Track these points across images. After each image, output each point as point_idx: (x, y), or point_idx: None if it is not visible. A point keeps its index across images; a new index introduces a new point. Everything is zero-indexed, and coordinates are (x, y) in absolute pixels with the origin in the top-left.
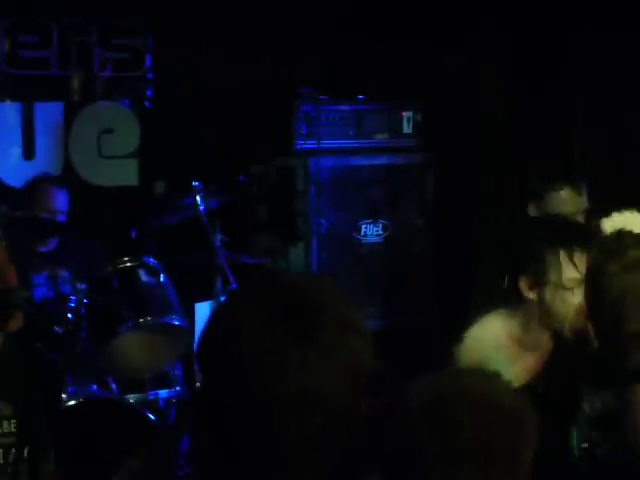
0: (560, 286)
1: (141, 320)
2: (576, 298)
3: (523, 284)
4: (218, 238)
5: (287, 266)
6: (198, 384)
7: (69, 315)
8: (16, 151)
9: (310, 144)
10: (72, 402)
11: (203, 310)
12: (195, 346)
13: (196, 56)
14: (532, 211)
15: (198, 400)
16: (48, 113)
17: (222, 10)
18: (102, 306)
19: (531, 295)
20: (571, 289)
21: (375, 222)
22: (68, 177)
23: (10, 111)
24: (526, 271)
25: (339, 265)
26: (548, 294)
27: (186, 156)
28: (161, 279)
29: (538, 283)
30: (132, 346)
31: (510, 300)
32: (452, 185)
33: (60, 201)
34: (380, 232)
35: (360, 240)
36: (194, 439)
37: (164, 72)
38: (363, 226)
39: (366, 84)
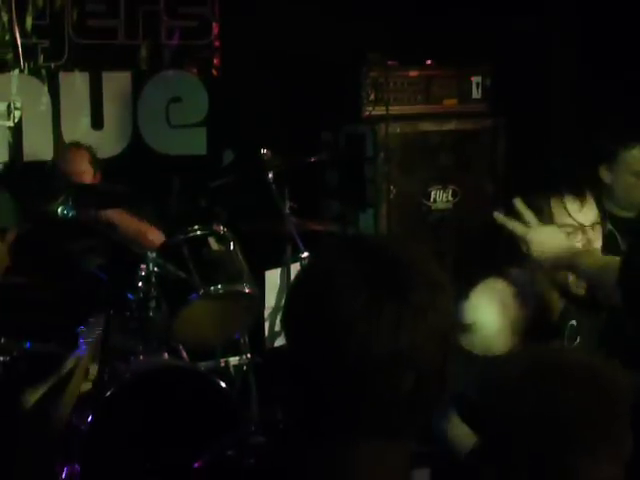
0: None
1: (211, 288)
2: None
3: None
4: (287, 205)
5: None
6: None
7: (139, 283)
8: (85, 121)
9: (379, 110)
10: (144, 370)
11: (273, 278)
12: (285, 305)
13: (263, 23)
14: (604, 173)
15: (285, 362)
16: (116, 82)
17: None
18: (172, 274)
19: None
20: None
21: (445, 188)
22: (137, 146)
23: (78, 81)
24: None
25: (409, 231)
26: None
27: (254, 124)
28: (231, 247)
29: None
30: (202, 314)
31: None
32: (522, 150)
33: (77, 161)
34: (450, 198)
35: (429, 206)
36: (268, 406)
37: (231, 40)
38: (432, 192)
39: (435, 49)
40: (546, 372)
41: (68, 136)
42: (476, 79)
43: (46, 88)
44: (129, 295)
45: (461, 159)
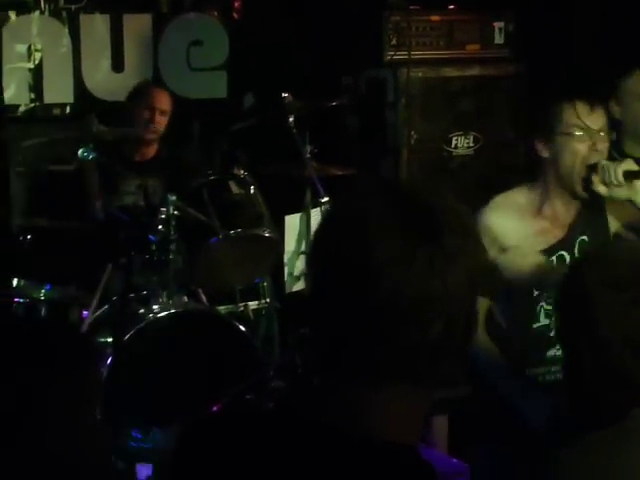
0: (566, 133)
1: (231, 232)
2: (582, 147)
3: (537, 143)
4: (308, 150)
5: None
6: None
7: (160, 227)
8: (105, 64)
9: (400, 55)
10: (164, 313)
11: (293, 222)
12: (312, 245)
13: None
14: (614, 109)
15: (307, 306)
16: (137, 25)
17: None
18: (193, 218)
19: (544, 153)
20: (578, 139)
21: (466, 134)
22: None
23: (99, 23)
24: (537, 126)
25: (429, 177)
26: (557, 144)
27: (275, 68)
28: (251, 191)
29: (548, 135)
30: (222, 258)
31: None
32: (544, 96)
33: (163, 100)
34: (471, 144)
35: (450, 152)
36: (287, 350)
37: None
38: (454, 138)
39: None
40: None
41: (88, 79)
42: (499, 24)
43: (67, 30)
44: (151, 237)
45: (483, 105)
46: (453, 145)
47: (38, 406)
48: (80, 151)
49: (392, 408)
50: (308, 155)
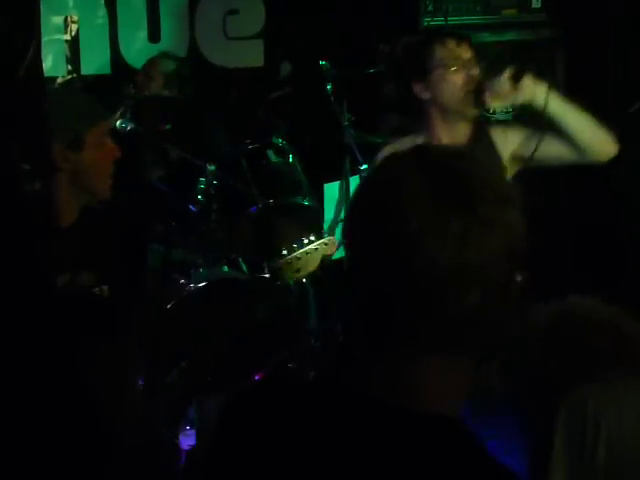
0: (440, 68)
1: (271, 201)
2: (459, 77)
3: (415, 85)
4: (346, 117)
5: None
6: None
7: (199, 197)
8: (142, 34)
9: (437, 21)
10: (204, 283)
11: (332, 190)
12: (347, 216)
13: None
14: None
15: (346, 276)
16: None
17: None
18: (232, 187)
19: (424, 95)
20: (454, 71)
21: None
22: (194, 59)
23: None
24: (413, 72)
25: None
26: (434, 80)
27: (312, 36)
28: (290, 159)
29: (424, 75)
30: (262, 227)
31: None
32: (582, 61)
33: (165, 66)
34: (509, 110)
35: (489, 117)
36: (327, 319)
37: None
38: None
39: None
40: (573, 322)
41: (125, 50)
42: None
43: (103, 1)
44: (191, 207)
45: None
46: (491, 111)
47: (83, 375)
48: (118, 122)
49: (434, 379)
50: (346, 123)
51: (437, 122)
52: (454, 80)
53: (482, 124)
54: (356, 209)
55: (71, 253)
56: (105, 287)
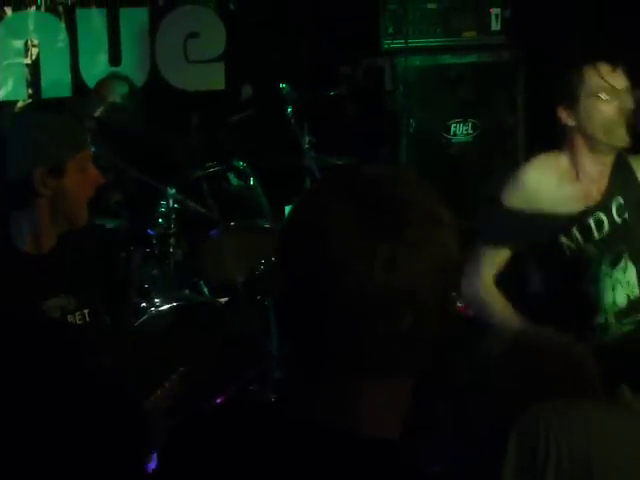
0: (591, 97)
1: (231, 224)
2: (611, 108)
3: (561, 111)
4: (306, 140)
5: None
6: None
7: (160, 220)
8: (102, 57)
9: (397, 43)
10: (165, 306)
11: None
12: (278, 244)
13: None
14: None
15: (281, 302)
16: (133, 18)
17: None
18: (192, 210)
19: (570, 122)
20: (604, 99)
21: (465, 121)
22: (155, 82)
23: (96, 17)
24: (560, 95)
25: (428, 165)
26: (583, 109)
27: (272, 58)
28: (250, 182)
29: (572, 102)
30: (223, 250)
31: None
32: (543, 82)
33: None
34: (470, 131)
35: (450, 139)
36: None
37: None
38: (452, 125)
39: None
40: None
41: (86, 73)
42: (495, 10)
43: (63, 25)
44: (149, 231)
45: (481, 92)
46: (452, 132)
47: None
48: None
49: (372, 402)
50: (307, 145)
51: (581, 150)
52: (605, 111)
53: (621, 152)
54: (287, 234)
55: (52, 279)
56: (86, 311)
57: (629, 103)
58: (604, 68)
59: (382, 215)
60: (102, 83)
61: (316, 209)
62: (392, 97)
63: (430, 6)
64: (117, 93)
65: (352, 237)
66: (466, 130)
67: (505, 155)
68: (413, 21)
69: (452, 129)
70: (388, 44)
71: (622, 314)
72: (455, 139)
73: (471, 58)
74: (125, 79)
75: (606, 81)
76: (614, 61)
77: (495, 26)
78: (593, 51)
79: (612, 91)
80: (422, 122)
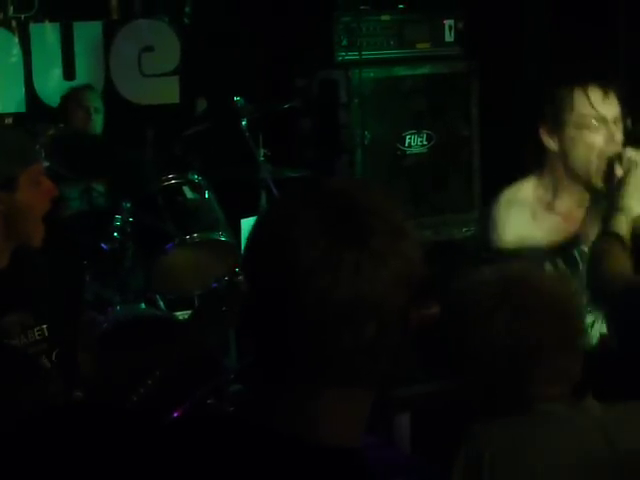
0: (579, 125)
1: (187, 237)
2: (598, 138)
3: (543, 131)
4: (261, 153)
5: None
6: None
7: (115, 234)
8: (56, 72)
9: (351, 55)
10: (120, 320)
11: (249, 225)
12: (243, 254)
13: None
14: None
15: (246, 312)
16: (87, 32)
17: None
18: (148, 224)
19: (552, 144)
20: (592, 129)
21: (419, 132)
22: (109, 96)
23: (49, 32)
24: (544, 116)
25: (384, 176)
26: (568, 136)
27: (227, 72)
28: (206, 195)
29: (557, 126)
30: (178, 263)
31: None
32: (497, 93)
33: (93, 98)
34: (425, 142)
35: (404, 151)
36: (246, 354)
37: None
38: (407, 137)
39: None
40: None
41: (40, 88)
42: (449, 22)
43: (17, 39)
44: (103, 246)
45: (435, 103)
46: (407, 144)
47: None
48: None
49: (334, 411)
50: (262, 158)
51: (562, 176)
52: (592, 142)
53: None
54: (253, 244)
55: (9, 295)
56: (45, 326)
57: (618, 135)
58: (595, 94)
59: (347, 225)
60: (79, 91)
61: (282, 219)
62: (347, 109)
63: (384, 18)
64: (92, 104)
65: (317, 246)
66: (421, 141)
67: (460, 166)
68: (367, 33)
69: (407, 140)
70: (342, 57)
71: None
72: (410, 150)
73: (425, 69)
74: (96, 90)
75: (596, 110)
76: (606, 85)
77: (449, 37)
78: (584, 71)
79: (602, 121)
80: (377, 134)
